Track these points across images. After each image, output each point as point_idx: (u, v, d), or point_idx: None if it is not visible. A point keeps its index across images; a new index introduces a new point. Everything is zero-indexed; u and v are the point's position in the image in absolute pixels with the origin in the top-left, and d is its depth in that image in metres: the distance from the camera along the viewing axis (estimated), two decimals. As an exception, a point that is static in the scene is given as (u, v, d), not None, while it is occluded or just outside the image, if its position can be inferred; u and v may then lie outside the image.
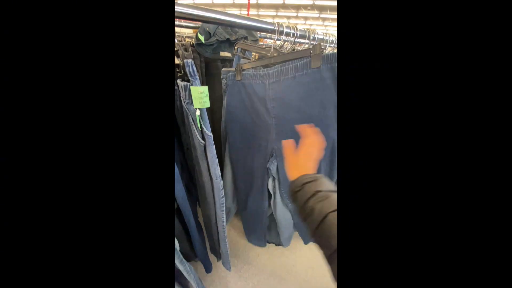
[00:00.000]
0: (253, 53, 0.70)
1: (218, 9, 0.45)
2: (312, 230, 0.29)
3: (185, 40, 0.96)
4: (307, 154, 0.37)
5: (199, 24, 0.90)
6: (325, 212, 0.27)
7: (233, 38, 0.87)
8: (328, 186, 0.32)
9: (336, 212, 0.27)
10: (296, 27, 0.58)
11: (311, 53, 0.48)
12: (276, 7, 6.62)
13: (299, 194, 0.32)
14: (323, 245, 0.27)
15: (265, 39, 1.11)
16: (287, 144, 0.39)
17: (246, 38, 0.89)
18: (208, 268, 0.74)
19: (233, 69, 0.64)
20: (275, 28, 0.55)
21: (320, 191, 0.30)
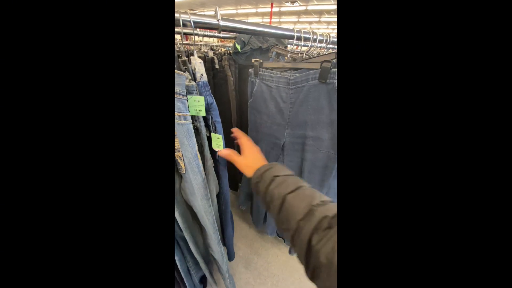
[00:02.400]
0: (285, 57, 0.76)
1: (242, 18, 0.51)
2: (276, 216, 0.29)
3: (221, 50, 1.07)
4: (252, 151, 0.40)
5: (230, 34, 0.99)
6: (283, 194, 0.28)
7: (264, 46, 0.94)
8: (284, 171, 0.33)
9: (293, 194, 0.27)
10: (329, 35, 0.62)
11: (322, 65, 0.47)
12: (298, 13, 6.67)
13: (260, 184, 0.33)
14: (285, 229, 0.27)
15: (290, 46, 1.16)
16: (227, 152, 0.42)
17: (276, 45, 0.95)
18: (231, 256, 0.79)
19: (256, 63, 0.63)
20: (309, 36, 0.60)
21: (277, 175, 0.31)
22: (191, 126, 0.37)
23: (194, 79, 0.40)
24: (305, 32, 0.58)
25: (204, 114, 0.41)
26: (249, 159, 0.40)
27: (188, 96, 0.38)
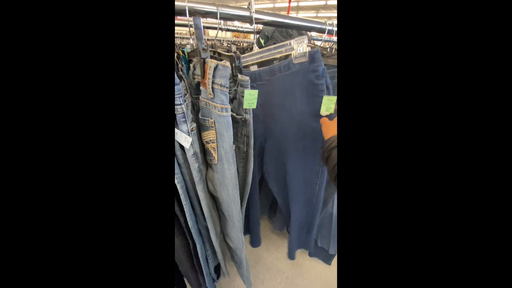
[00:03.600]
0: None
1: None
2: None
3: (242, 45, 1.06)
4: None
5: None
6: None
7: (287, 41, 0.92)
8: None
9: None
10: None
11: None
12: (317, 8, 6.45)
13: (334, 151, 0.34)
14: None
15: (313, 41, 1.13)
16: (323, 119, 0.45)
17: (300, 41, 0.92)
18: (257, 243, 0.79)
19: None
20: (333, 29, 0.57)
21: None
22: (231, 118, 0.38)
23: (240, 72, 0.40)
24: (314, 22, 0.55)
25: (255, 107, 0.42)
26: (334, 125, 0.41)
27: (243, 90, 0.39)
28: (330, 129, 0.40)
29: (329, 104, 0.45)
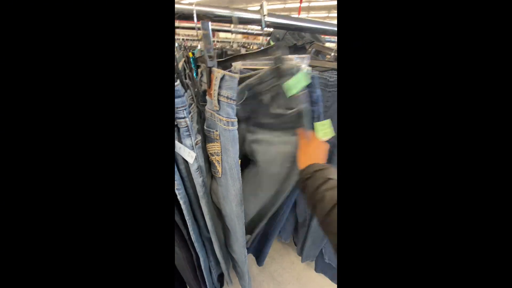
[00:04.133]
0: (326, 56, 0.69)
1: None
2: (322, 217, 0.28)
3: (252, 47, 1.04)
4: (318, 145, 0.38)
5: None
6: (336, 200, 0.27)
7: (299, 43, 0.88)
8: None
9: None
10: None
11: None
12: (328, 8, 6.31)
13: (309, 181, 0.32)
14: (332, 233, 0.26)
15: (330, 42, 1.08)
16: (303, 133, 0.39)
17: (312, 42, 0.88)
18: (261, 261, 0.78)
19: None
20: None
21: (331, 178, 0.30)
22: (237, 132, 0.35)
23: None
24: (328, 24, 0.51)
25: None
26: (312, 149, 0.38)
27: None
28: (306, 154, 0.37)
29: (323, 129, 0.42)
